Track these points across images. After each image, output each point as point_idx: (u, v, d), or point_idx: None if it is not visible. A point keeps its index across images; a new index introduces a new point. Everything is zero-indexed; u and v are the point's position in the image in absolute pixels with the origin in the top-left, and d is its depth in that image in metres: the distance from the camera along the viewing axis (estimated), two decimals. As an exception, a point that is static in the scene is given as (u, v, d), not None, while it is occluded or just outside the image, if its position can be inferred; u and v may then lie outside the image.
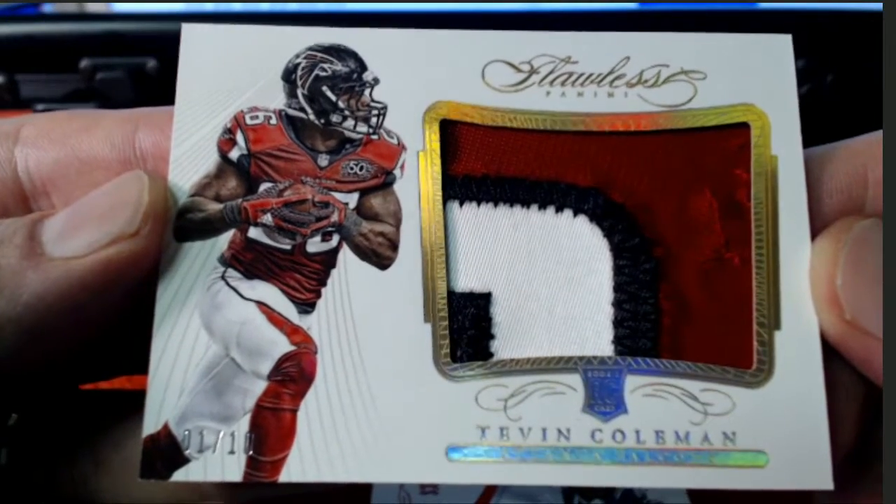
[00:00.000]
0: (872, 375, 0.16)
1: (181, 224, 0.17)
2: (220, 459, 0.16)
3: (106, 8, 0.47)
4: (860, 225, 0.16)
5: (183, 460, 0.16)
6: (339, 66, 0.18)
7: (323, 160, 0.18)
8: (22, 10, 0.47)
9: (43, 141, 0.18)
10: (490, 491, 0.26)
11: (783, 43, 0.18)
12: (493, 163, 0.18)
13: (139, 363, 0.18)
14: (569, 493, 0.27)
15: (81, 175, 0.17)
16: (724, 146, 0.18)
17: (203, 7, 0.46)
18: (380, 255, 0.17)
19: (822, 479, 0.16)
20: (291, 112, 0.18)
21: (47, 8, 0.48)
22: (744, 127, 0.18)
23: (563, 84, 0.18)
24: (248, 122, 0.18)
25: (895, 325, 0.15)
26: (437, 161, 0.18)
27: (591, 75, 0.18)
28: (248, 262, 0.17)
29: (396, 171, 0.18)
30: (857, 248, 0.16)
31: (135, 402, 0.17)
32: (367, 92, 0.18)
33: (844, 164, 0.18)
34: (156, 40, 0.40)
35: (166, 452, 0.16)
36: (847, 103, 0.41)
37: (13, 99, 0.42)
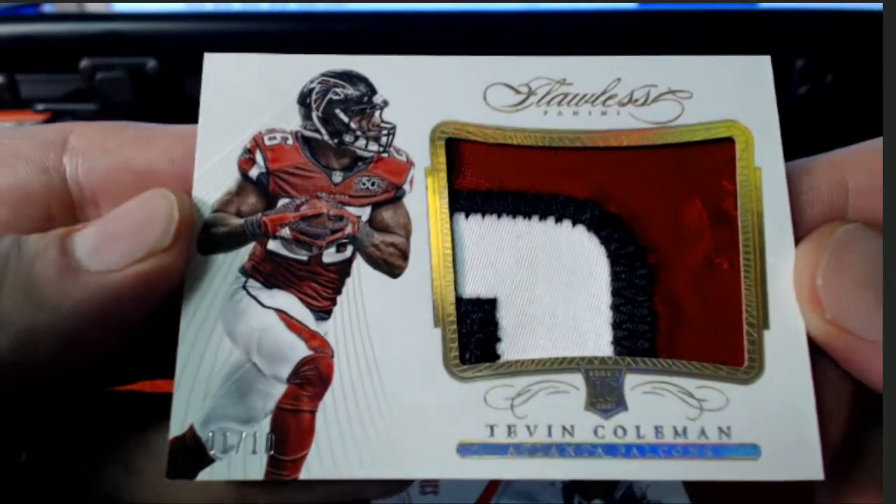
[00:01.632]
0: (857, 374, 0.17)
1: (205, 238, 0.18)
2: (242, 459, 0.17)
3: (106, 8, 0.48)
4: (843, 229, 0.17)
5: (208, 460, 0.17)
6: (350, 90, 0.19)
7: (337, 177, 0.19)
8: (22, 10, 0.47)
9: (95, 151, 0.18)
10: (490, 491, 0.27)
11: (763, 63, 0.20)
12: (496, 177, 0.19)
13: (161, 369, 0.19)
14: (569, 492, 0.28)
15: (138, 188, 0.18)
16: (711, 160, 0.19)
17: (203, 7, 0.47)
18: (391, 265, 0.18)
19: (812, 469, 0.17)
20: (307, 133, 0.19)
21: (47, 8, 0.48)
22: (729, 142, 0.19)
23: (559, 104, 0.19)
24: (267, 142, 0.19)
25: (894, 328, 0.15)
26: (444, 176, 0.19)
27: (585, 95, 0.19)
28: (268, 272, 0.18)
29: (406, 186, 0.19)
30: (839, 251, 0.17)
31: (164, 406, 0.18)
32: (377, 113, 0.19)
33: (825, 176, 0.19)
34: (156, 40, 0.40)
35: (192, 453, 0.17)
36: (847, 103, 0.42)
37: (13, 99, 0.42)
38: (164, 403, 0.17)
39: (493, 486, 0.28)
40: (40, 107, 0.41)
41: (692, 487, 0.26)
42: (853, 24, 0.42)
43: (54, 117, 0.39)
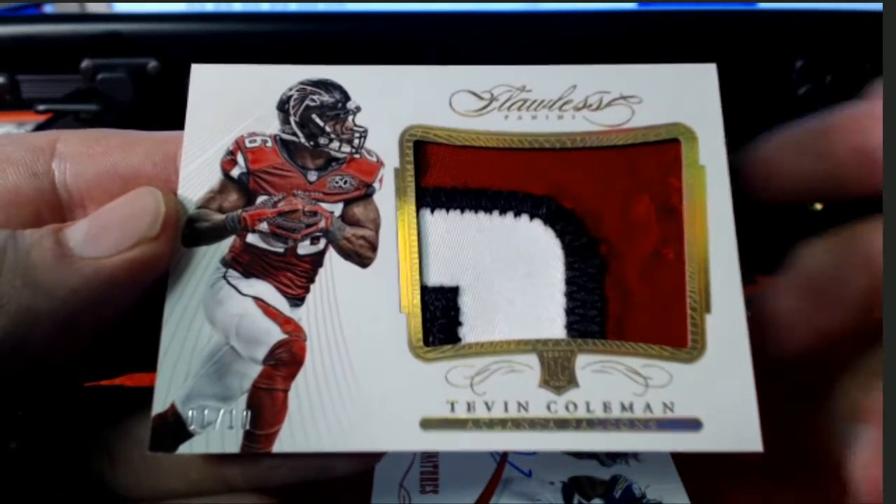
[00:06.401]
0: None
1: (189, 232, 0.20)
2: (220, 434, 0.18)
3: (107, 8, 0.48)
4: None
5: (187, 435, 0.18)
6: (326, 97, 0.21)
7: (312, 176, 0.20)
8: (23, 10, 0.47)
9: (82, 156, 0.20)
10: (490, 490, 0.28)
11: (708, 70, 0.21)
12: (459, 176, 0.21)
13: (141, 363, 0.20)
14: (568, 492, 0.28)
15: (123, 191, 0.19)
16: (658, 159, 0.21)
17: (204, 7, 0.47)
18: (361, 256, 0.20)
19: (751, 442, 0.18)
20: (285, 136, 0.21)
21: (48, 8, 0.48)
22: (675, 142, 0.21)
23: (519, 109, 0.21)
24: (248, 145, 0.21)
25: (895, 330, 0.16)
26: (411, 175, 0.20)
27: (542, 101, 0.21)
28: (247, 263, 0.20)
29: (376, 184, 0.20)
30: None
31: (145, 398, 0.19)
32: (350, 118, 0.21)
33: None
34: (157, 41, 0.41)
35: (173, 428, 0.18)
36: (846, 103, 0.42)
37: (14, 99, 0.42)
38: (144, 396, 0.18)
39: (492, 485, 0.29)
40: (41, 107, 0.41)
41: (692, 488, 0.26)
42: (853, 24, 0.42)
43: (56, 118, 0.40)
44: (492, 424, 0.18)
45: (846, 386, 0.20)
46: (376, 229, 0.20)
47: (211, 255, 0.20)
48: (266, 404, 0.18)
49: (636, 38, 0.43)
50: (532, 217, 0.20)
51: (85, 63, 0.41)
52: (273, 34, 0.41)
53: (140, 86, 0.41)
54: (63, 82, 0.42)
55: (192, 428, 0.18)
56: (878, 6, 0.41)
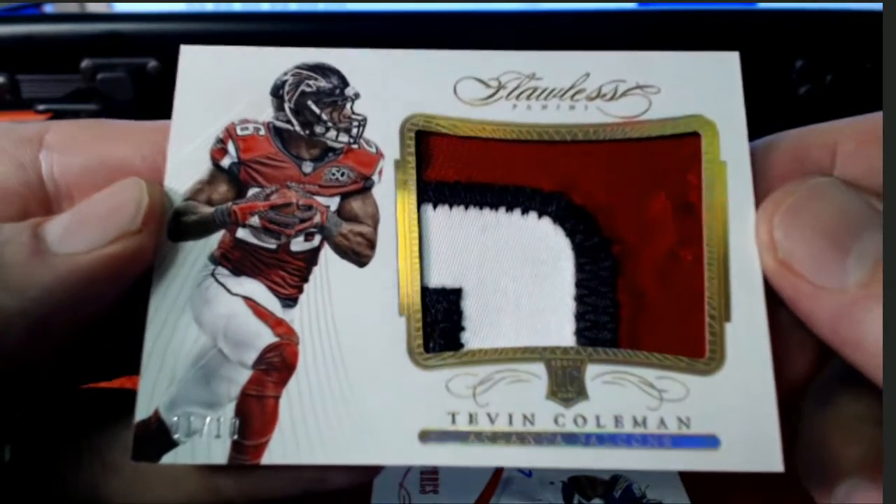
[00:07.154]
0: (803, 318, 0.17)
1: (175, 225, 0.18)
2: (206, 443, 0.17)
3: (107, 8, 0.48)
4: (815, 180, 0.17)
5: (172, 444, 0.17)
6: (323, 83, 0.20)
7: (307, 167, 0.19)
8: (23, 10, 0.47)
9: (69, 147, 0.19)
10: (489, 490, 0.27)
11: (731, 59, 0.20)
12: (464, 169, 0.19)
13: (129, 365, 0.19)
14: (568, 492, 0.28)
15: (111, 183, 0.18)
16: (676, 153, 0.19)
17: (203, 7, 0.47)
18: (358, 254, 0.18)
19: (771, 461, 0.17)
20: (279, 124, 0.19)
21: (48, 8, 0.48)
22: (695, 136, 0.19)
23: (528, 98, 0.20)
24: (239, 132, 0.19)
25: (894, 325, 0.15)
26: (413, 168, 0.19)
27: (553, 90, 0.20)
28: (237, 260, 0.18)
29: (375, 177, 0.19)
30: (805, 197, 0.17)
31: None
32: (348, 105, 0.20)
33: (816, 139, 0.19)
34: (156, 40, 0.41)
35: (157, 436, 0.17)
36: (847, 103, 0.41)
37: (14, 99, 0.42)
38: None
39: (492, 485, 0.28)
40: (41, 107, 0.41)
41: (692, 488, 0.26)
42: (853, 24, 0.42)
43: (55, 118, 0.40)
44: (495, 438, 0.17)
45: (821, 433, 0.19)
46: (375, 225, 0.19)
47: (199, 251, 0.18)
48: (255, 412, 0.17)
49: (635, 37, 0.43)
50: (541, 214, 0.19)
51: (85, 63, 0.40)
52: (273, 34, 0.41)
53: (140, 85, 0.41)
54: (63, 82, 0.42)
55: (176, 436, 0.17)
56: (878, 6, 0.41)
